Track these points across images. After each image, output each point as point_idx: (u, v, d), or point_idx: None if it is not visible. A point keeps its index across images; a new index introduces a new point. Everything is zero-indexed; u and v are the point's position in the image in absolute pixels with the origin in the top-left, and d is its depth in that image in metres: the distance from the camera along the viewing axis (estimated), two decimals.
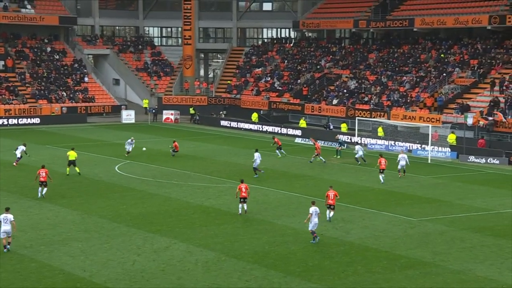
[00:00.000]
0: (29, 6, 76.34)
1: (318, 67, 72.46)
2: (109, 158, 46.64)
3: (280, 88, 71.66)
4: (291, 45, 79.85)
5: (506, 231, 29.17)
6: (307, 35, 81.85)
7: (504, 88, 56.35)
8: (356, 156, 44.97)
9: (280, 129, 60.99)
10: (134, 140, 46.99)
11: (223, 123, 66.32)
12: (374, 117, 58.71)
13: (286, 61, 76.54)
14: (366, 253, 25.66)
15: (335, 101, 65.08)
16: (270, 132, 60.13)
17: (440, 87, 60.23)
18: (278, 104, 68.76)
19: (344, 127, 58.55)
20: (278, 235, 27.85)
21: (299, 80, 71.54)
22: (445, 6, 68.41)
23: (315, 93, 68.29)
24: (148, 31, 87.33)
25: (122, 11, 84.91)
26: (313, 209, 26.76)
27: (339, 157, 47.42)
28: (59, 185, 35.53)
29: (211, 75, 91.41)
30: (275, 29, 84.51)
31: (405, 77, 64.57)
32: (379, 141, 53.21)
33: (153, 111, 70.25)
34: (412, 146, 51.02)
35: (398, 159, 41.21)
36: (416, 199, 35.49)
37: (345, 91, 66.44)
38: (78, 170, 39.69)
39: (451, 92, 59.16)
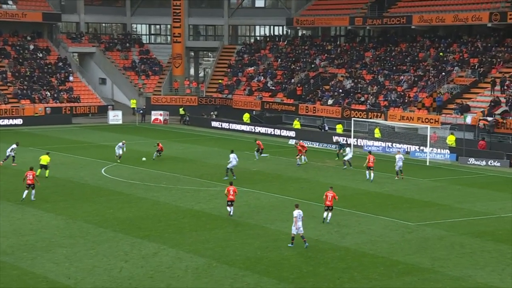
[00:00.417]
0: (10, 2, 76.15)
1: (312, 66, 72.57)
2: (95, 160, 46.57)
3: (273, 87, 71.74)
4: (285, 43, 79.91)
5: (507, 236, 29.29)
6: (301, 32, 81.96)
7: (505, 87, 56.59)
8: (345, 158, 44.96)
9: (274, 130, 61.11)
10: (125, 143, 46.61)
11: (214, 124, 66.35)
12: (370, 118, 58.83)
13: (279, 60, 76.63)
14: (362, 259, 25.71)
15: (330, 101, 65.19)
16: (262, 134, 60.27)
17: (439, 86, 60.44)
18: (271, 105, 68.83)
19: (339, 128, 58.66)
20: (271, 240, 27.88)
21: (293, 80, 71.64)
22: (444, 3, 68.67)
23: (310, 93, 68.39)
24: (136, 28, 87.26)
25: (109, 7, 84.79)
26: (296, 212, 26.91)
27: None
28: (42, 189, 35.48)
29: (201, 74, 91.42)
30: (268, 27, 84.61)
31: (402, 77, 64.76)
32: (376, 143, 53.33)
33: (141, 111, 70.18)
34: (410, 148, 51.12)
35: (396, 160, 41.42)
36: (414, 202, 35.59)
37: (340, 91, 66.56)
38: (47, 175, 39.68)
39: (449, 93, 59.34)
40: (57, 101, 70.58)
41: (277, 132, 60.64)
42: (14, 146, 44.40)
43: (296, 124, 61.66)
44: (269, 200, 35.49)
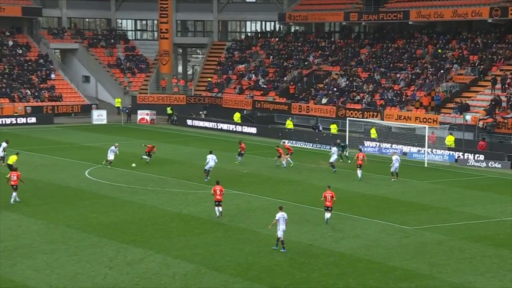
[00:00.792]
0: None
1: (306, 63, 72.67)
2: (78, 162, 46.44)
3: (265, 86, 71.79)
4: (277, 39, 80.00)
5: (508, 240, 29.38)
6: (294, 28, 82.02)
7: (507, 86, 56.80)
8: (330, 160, 44.66)
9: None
10: (117, 147, 45.50)
11: (203, 124, 66.32)
12: (366, 118, 58.93)
13: (271, 57, 76.69)
14: (357, 265, 25.74)
15: (324, 100, 65.28)
16: (252, 134, 60.31)
17: (437, 85, 60.61)
18: (262, 104, 68.86)
19: (334, 128, 58.72)
20: (262, 245, 27.87)
21: (285, 78, 71.71)
22: None
23: (303, 91, 68.47)
24: (121, 23, 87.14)
25: (92, 1, 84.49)
26: (280, 215, 27.03)
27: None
28: (22, 192, 35.34)
29: (190, 72, 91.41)
30: (259, 22, 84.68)
31: (399, 74, 64.92)
32: (372, 144, 53.42)
33: (127, 111, 70.08)
34: (408, 148, 51.22)
35: (393, 161, 41.50)
36: (411, 205, 35.65)
37: (335, 89, 66.67)
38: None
39: (448, 91, 59.53)
40: (38, 100, 70.40)
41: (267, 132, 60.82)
42: (4, 144, 43.95)
43: (289, 124, 61.70)
44: (260, 203, 35.48)
